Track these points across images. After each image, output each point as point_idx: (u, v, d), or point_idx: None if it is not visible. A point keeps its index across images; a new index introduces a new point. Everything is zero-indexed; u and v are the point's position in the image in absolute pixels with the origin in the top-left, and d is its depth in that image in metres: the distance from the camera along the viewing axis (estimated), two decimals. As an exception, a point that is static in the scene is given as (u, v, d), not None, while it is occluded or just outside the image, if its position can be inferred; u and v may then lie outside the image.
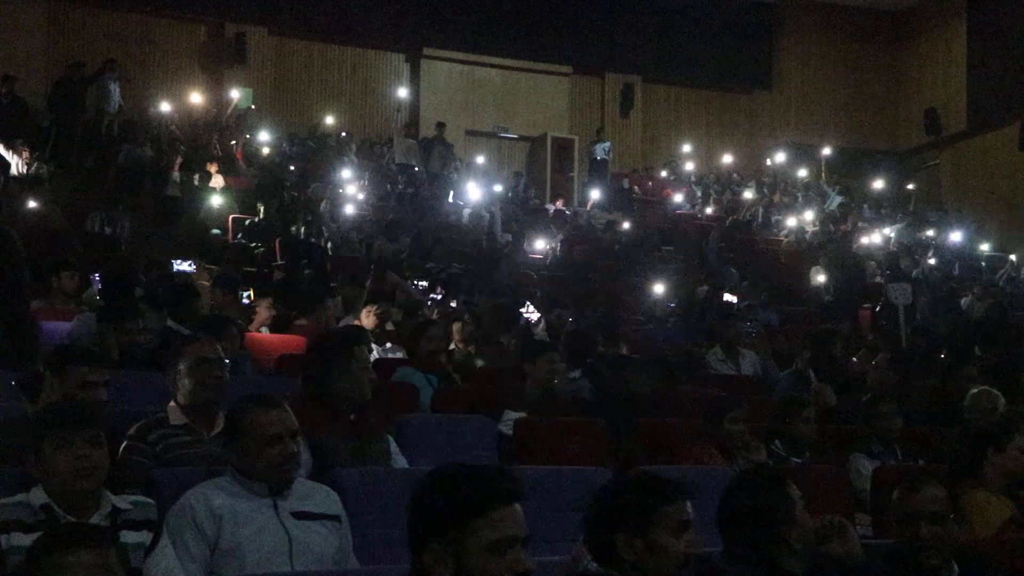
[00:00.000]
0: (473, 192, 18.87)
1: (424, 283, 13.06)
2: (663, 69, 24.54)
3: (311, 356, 4.71)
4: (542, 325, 10.46)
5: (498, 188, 20.20)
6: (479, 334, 8.89)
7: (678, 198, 21.92)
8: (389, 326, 9.25)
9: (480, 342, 8.78)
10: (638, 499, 3.09)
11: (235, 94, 20.39)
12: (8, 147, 15.46)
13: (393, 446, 4.61)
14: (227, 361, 4.64)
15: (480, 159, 21.82)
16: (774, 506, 3.41)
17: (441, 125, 20.74)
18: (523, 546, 2.54)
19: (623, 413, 6.19)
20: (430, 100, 22.94)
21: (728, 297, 13.81)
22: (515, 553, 2.51)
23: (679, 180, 23.14)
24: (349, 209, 16.70)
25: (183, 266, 11.83)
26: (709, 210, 21.62)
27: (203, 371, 4.36)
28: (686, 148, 24.16)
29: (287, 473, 3.63)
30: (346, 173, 18.27)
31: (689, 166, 23.75)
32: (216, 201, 16.21)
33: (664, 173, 23.44)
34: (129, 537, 3.20)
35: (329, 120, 21.19)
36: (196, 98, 20.25)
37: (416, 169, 19.72)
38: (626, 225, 18.89)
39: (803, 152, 24.64)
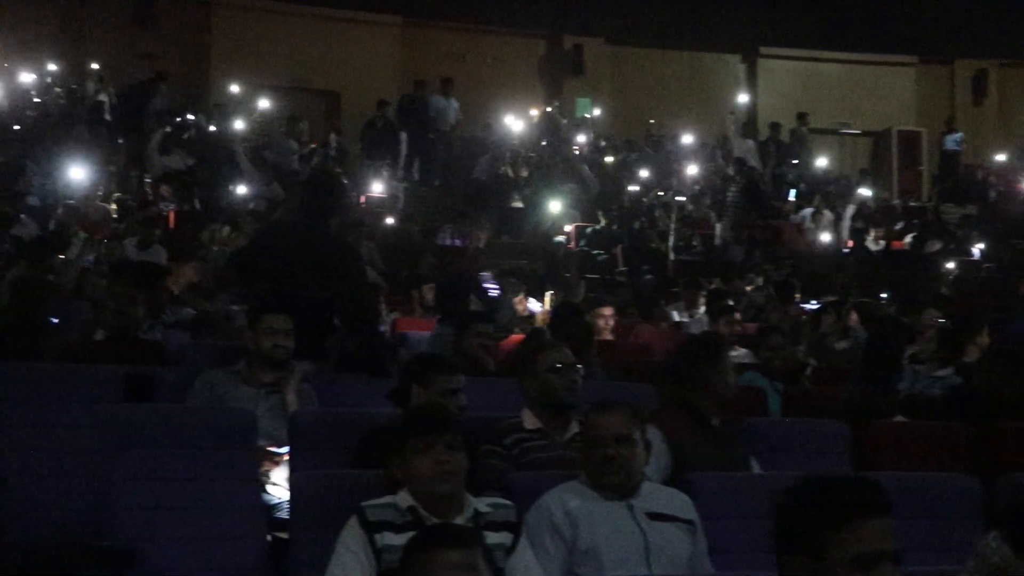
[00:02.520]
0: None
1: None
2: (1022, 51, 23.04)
3: (678, 360, 4.72)
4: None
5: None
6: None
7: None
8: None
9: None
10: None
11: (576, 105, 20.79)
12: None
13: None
14: (579, 367, 4.72)
15: (822, 160, 21.22)
16: None
17: (776, 126, 20.40)
18: (893, 561, 2.43)
19: (981, 414, 5.81)
20: (767, 100, 22.58)
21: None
22: (883, 568, 2.41)
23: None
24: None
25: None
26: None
27: (559, 376, 4.45)
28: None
29: (605, 477, 3.67)
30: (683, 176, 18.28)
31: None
32: (556, 209, 16.55)
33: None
34: (491, 538, 3.29)
35: (665, 125, 21.24)
36: (535, 111, 20.79)
37: (755, 169, 19.43)
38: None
39: None
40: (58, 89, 18.31)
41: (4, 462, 4.78)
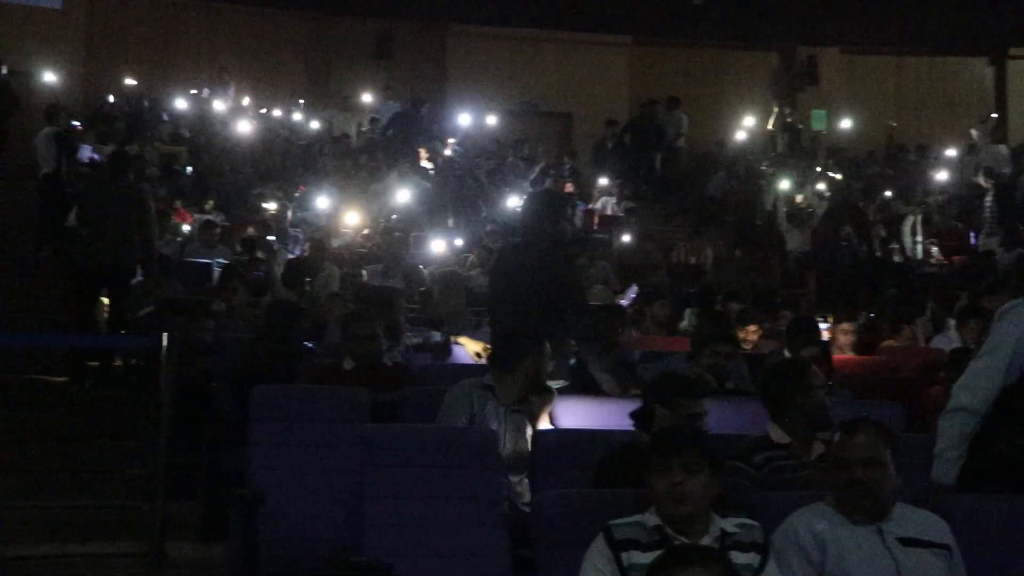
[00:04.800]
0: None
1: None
2: None
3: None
4: None
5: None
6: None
7: None
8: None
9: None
10: None
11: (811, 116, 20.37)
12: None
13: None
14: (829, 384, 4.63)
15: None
16: None
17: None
18: None
19: None
20: (1019, 103, 21.53)
21: None
22: None
23: None
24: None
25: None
26: None
27: (808, 395, 4.38)
28: None
29: (852, 501, 3.56)
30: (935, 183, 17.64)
31: None
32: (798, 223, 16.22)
33: None
34: (738, 559, 3.26)
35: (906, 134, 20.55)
36: (771, 124, 20.46)
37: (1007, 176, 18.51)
38: None
39: None
40: (298, 120, 19.17)
41: (261, 479, 5.03)
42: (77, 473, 7.00)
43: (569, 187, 16.74)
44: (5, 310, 10.72)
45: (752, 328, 8.50)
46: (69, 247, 10.53)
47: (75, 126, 14.50)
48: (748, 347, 8.07)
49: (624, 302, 9.47)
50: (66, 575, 5.71)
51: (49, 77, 18.43)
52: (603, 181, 17.50)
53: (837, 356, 8.40)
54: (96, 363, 9.34)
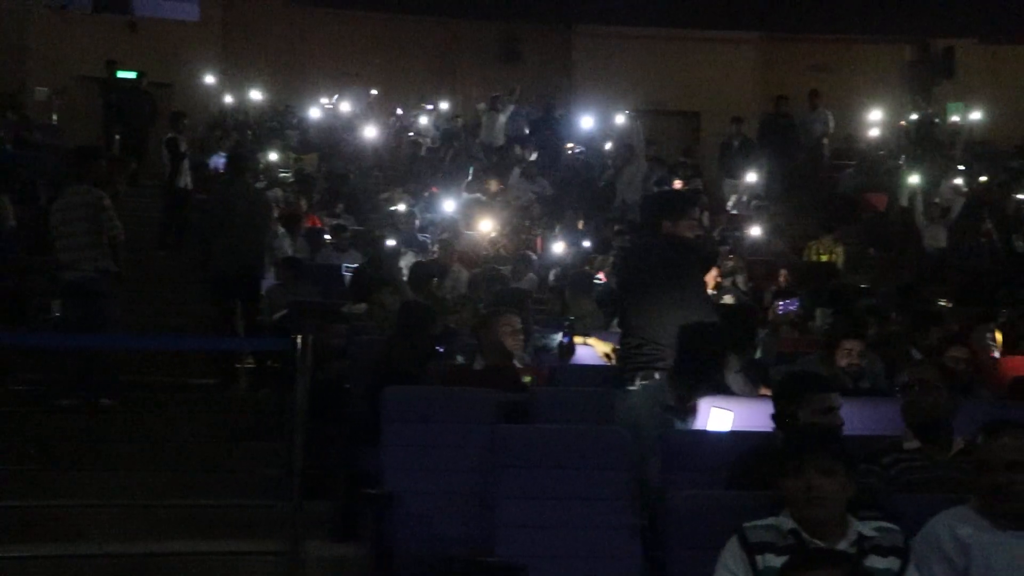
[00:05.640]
0: None
1: None
2: None
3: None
4: None
5: None
6: None
7: None
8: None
9: None
10: None
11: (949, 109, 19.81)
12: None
13: None
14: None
15: None
16: None
17: None
18: None
19: None
20: None
21: None
22: None
23: None
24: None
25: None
26: None
27: (924, 393, 4.30)
28: None
29: (996, 506, 3.47)
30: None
31: None
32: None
33: None
34: (877, 563, 3.21)
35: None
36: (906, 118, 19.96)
37: None
38: None
39: None
40: (422, 123, 19.35)
41: (394, 479, 5.09)
42: (217, 473, 7.18)
43: (697, 186, 16.58)
44: (145, 315, 11.02)
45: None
46: (200, 253, 10.81)
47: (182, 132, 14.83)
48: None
49: (783, 309, 9.29)
50: (205, 572, 5.86)
51: (186, 87, 18.98)
52: (731, 179, 17.31)
53: (979, 355, 8.19)
54: (251, 365, 9.56)
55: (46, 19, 19.93)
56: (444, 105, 20.07)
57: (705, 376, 4.96)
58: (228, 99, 19.55)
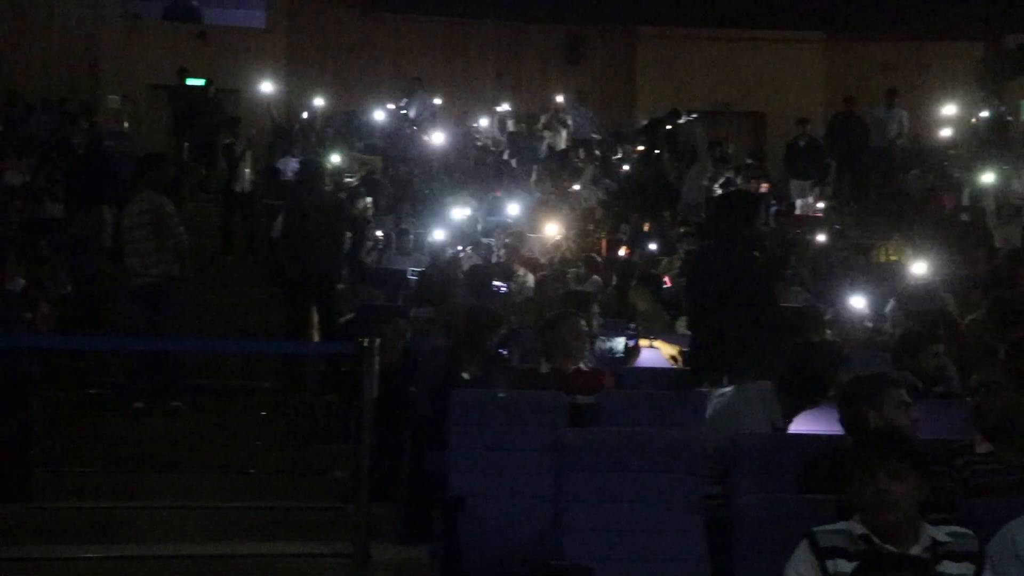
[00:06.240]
0: None
1: None
2: None
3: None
4: None
5: None
6: None
7: None
8: None
9: None
10: None
11: None
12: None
13: None
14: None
15: None
16: None
17: None
18: None
19: None
20: None
21: None
22: None
23: None
24: None
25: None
26: None
27: (993, 396, 4.25)
28: None
29: None
30: None
31: None
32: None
33: None
34: (951, 569, 3.16)
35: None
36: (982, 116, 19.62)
37: None
38: None
39: None
40: (482, 127, 19.37)
41: (461, 482, 5.11)
42: (285, 475, 7.24)
43: (764, 187, 16.45)
44: (212, 321, 11.11)
45: None
46: (274, 258, 10.89)
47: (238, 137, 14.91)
48: None
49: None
50: (273, 574, 5.92)
51: (253, 93, 19.19)
52: (798, 181, 17.14)
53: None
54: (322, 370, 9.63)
55: (118, 29, 20.27)
56: (507, 107, 20.07)
57: (810, 397, 4.87)
58: (293, 104, 19.74)
